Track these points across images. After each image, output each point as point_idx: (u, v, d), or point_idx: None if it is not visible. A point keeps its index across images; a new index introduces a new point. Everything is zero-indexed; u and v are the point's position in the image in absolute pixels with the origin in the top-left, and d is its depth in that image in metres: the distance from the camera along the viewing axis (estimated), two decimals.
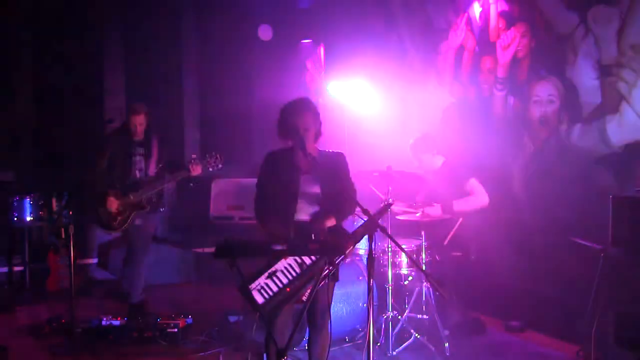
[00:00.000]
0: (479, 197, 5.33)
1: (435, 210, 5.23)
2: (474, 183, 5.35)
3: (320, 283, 3.04)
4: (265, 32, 8.77)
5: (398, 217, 5.28)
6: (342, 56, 8.01)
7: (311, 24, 8.57)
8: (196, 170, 5.63)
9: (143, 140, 5.76)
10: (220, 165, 5.71)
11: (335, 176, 3.74)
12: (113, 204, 5.57)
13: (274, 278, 3.15)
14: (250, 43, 8.97)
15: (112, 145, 5.74)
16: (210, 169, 5.72)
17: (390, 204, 3.35)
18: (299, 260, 3.18)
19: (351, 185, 3.80)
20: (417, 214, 5.19)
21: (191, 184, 6.01)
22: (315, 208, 3.73)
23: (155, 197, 5.76)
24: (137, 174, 5.71)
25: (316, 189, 3.72)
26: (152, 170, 5.74)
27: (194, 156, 5.82)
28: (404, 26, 7.40)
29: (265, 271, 3.15)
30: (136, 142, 5.74)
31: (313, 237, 3.53)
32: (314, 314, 3.74)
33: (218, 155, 5.70)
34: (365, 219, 3.11)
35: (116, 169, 5.69)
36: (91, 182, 5.69)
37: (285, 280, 3.15)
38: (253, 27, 8.81)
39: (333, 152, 3.88)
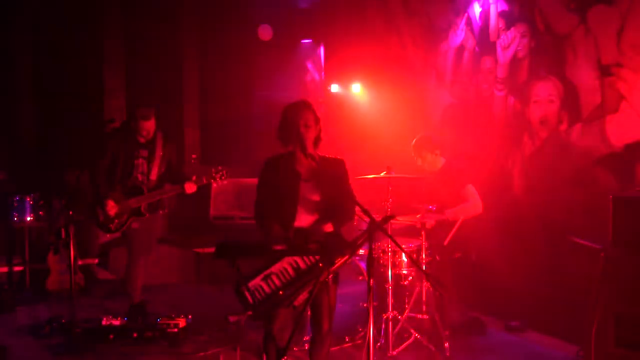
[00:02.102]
0: (472, 205, 5.28)
1: (430, 220, 5.21)
2: (470, 189, 5.33)
3: (316, 289, 3.03)
4: (265, 32, 8.77)
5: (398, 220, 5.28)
6: (342, 56, 8.02)
7: (311, 24, 8.57)
8: (190, 189, 5.60)
9: (148, 142, 5.71)
10: (224, 180, 5.67)
11: (335, 183, 3.68)
12: (113, 208, 5.52)
13: (269, 280, 3.14)
14: (250, 43, 8.97)
15: (114, 145, 5.65)
16: (215, 185, 5.67)
17: (392, 217, 3.34)
18: (294, 265, 3.17)
19: (351, 193, 3.72)
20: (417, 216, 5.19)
21: None
22: (315, 215, 3.69)
23: (155, 201, 5.74)
24: (139, 177, 5.67)
25: (316, 197, 3.68)
26: (154, 174, 5.70)
27: (194, 156, 5.80)
28: (404, 26, 7.40)
29: (262, 272, 3.15)
30: (140, 145, 5.67)
31: (311, 239, 3.50)
32: (317, 317, 3.70)
33: (224, 172, 5.66)
34: (367, 220, 3.10)
35: (117, 170, 5.64)
36: (91, 183, 5.66)
37: (279, 283, 3.15)
38: (253, 27, 8.81)
39: (333, 158, 3.78)
